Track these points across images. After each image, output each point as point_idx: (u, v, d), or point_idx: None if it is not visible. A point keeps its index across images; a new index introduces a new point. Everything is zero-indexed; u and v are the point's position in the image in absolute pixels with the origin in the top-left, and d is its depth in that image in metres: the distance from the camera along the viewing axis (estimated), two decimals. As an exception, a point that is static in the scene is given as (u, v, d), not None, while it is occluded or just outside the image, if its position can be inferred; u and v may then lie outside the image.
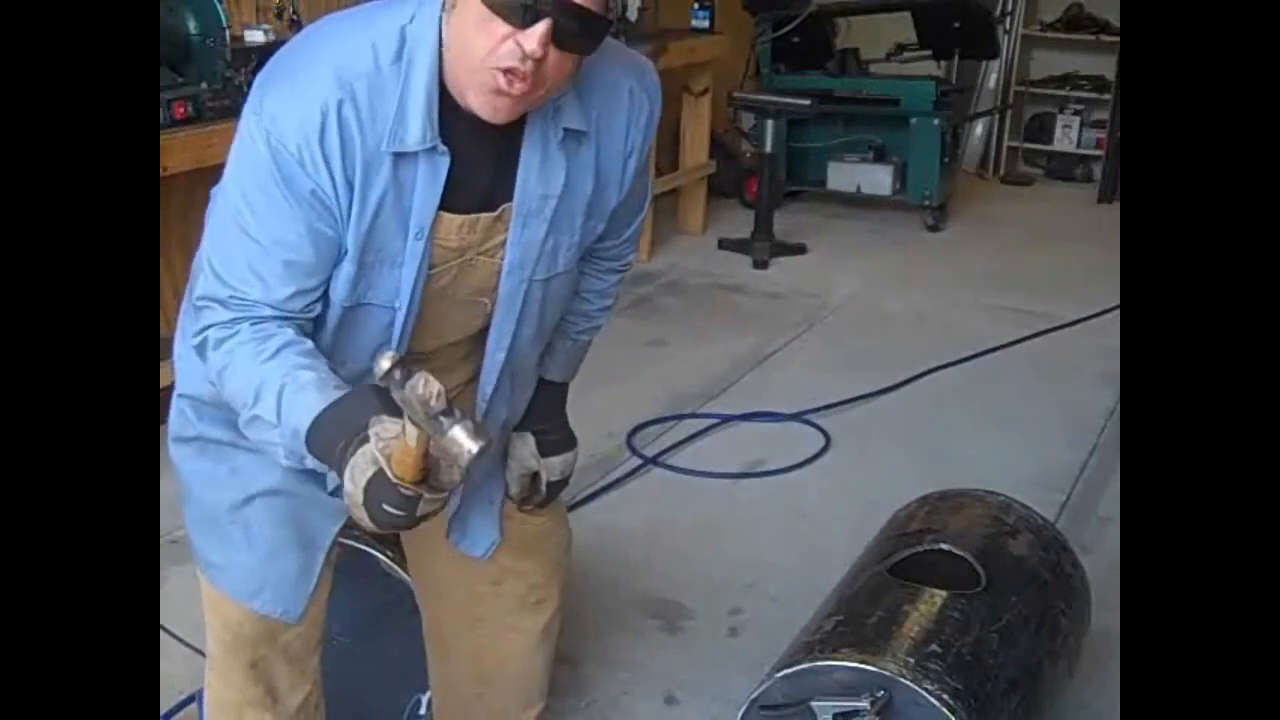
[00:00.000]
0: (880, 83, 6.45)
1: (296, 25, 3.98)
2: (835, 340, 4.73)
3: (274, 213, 1.41)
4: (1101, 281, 4.82)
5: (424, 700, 2.13)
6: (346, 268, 1.45)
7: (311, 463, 1.38)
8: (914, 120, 6.17)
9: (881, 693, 1.85)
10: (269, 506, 1.66)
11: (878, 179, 6.34)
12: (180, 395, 1.68)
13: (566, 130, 1.49)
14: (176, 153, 3.06)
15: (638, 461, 3.59)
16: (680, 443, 3.72)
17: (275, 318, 1.44)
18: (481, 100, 1.37)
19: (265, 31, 3.53)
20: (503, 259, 1.55)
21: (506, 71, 1.33)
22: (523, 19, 1.31)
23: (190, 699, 2.41)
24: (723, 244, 5.82)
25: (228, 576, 1.70)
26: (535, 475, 1.86)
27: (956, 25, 6.31)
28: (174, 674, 2.41)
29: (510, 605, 1.93)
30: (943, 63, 6.73)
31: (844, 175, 6.40)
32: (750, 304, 5.16)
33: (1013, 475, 3.32)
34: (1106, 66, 7.05)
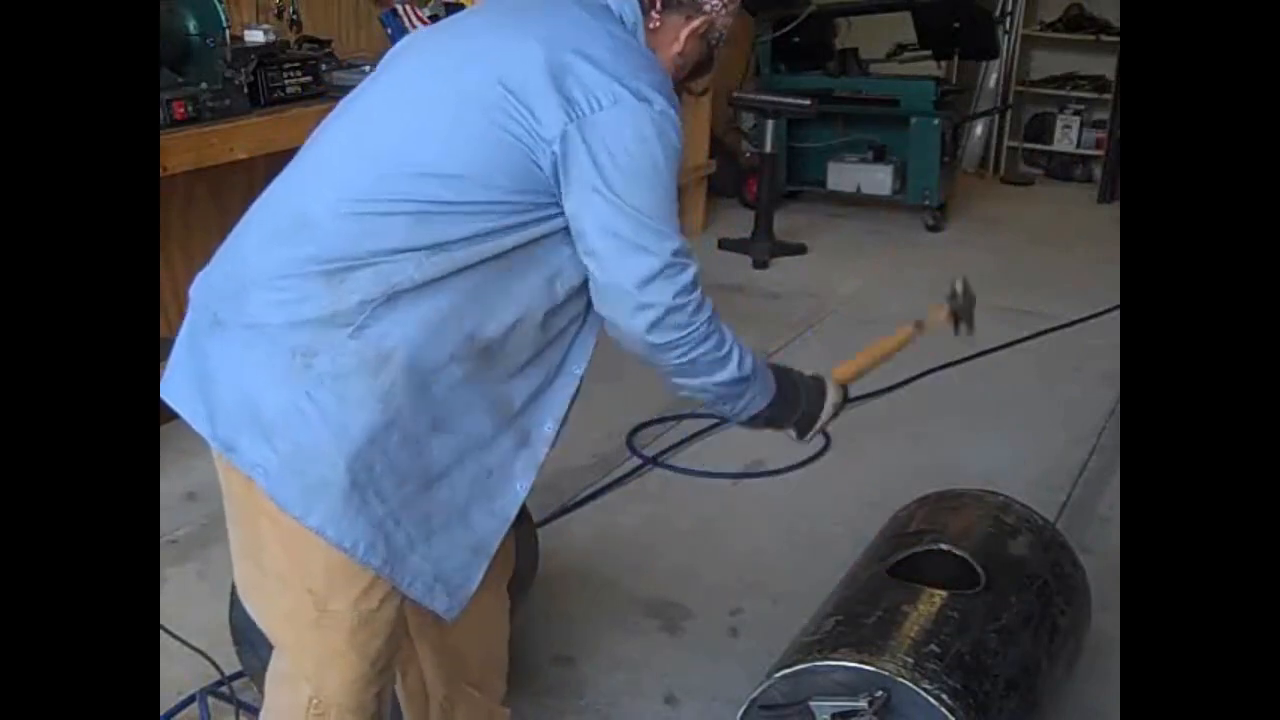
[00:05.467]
0: (880, 83, 6.46)
1: (297, 25, 3.99)
2: (835, 340, 4.73)
3: (673, 171, 1.64)
4: (1101, 281, 4.82)
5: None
6: None
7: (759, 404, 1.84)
8: (914, 120, 6.17)
9: (880, 693, 1.85)
10: (448, 494, 1.65)
11: (878, 179, 6.34)
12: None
13: None
14: (176, 153, 3.06)
15: (638, 461, 3.59)
16: (680, 443, 3.72)
17: None
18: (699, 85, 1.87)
19: (265, 31, 3.52)
20: None
21: None
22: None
23: (190, 699, 2.41)
24: (723, 244, 5.82)
25: (409, 573, 1.64)
26: None
27: (956, 25, 6.31)
28: (174, 674, 2.42)
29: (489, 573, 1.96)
30: (943, 63, 6.73)
31: (844, 175, 6.40)
32: (750, 304, 5.16)
33: (1013, 475, 3.32)
34: (1106, 66, 7.06)
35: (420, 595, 1.65)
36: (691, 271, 1.63)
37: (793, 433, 1.95)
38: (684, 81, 1.83)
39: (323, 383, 1.53)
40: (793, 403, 1.91)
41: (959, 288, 2.16)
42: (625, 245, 1.59)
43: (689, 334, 1.65)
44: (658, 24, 1.74)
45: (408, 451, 1.58)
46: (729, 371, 1.74)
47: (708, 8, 1.77)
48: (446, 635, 1.97)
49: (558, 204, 1.60)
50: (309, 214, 1.58)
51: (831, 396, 1.97)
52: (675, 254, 1.61)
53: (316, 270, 1.54)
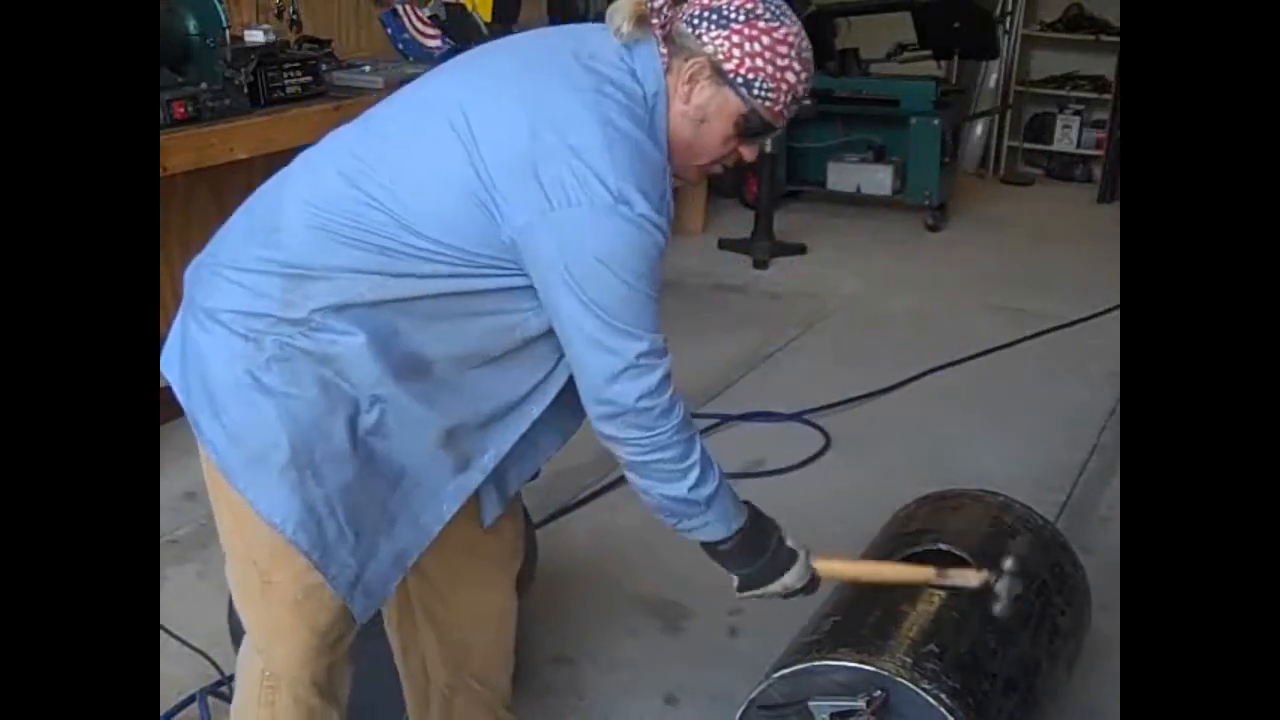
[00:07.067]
0: (880, 83, 6.45)
1: (297, 25, 3.99)
2: (835, 340, 4.73)
3: (660, 267, 1.61)
4: (1101, 281, 4.82)
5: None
6: None
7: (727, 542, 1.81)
8: (914, 120, 6.17)
9: (879, 692, 1.85)
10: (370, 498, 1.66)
11: (878, 179, 6.34)
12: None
13: None
14: (176, 153, 3.07)
15: (638, 461, 3.58)
16: (680, 443, 3.72)
17: None
18: (695, 175, 1.74)
19: (265, 31, 3.53)
20: None
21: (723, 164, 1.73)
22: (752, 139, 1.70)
23: (190, 699, 2.42)
24: (723, 244, 5.82)
25: (334, 565, 1.65)
26: None
27: (956, 25, 6.31)
28: (174, 674, 2.42)
29: (491, 566, 1.98)
30: (943, 63, 6.73)
31: (844, 175, 6.40)
32: (750, 304, 5.16)
33: (1013, 475, 3.32)
34: (1106, 66, 7.05)
35: (341, 591, 1.67)
36: (658, 374, 1.61)
37: (734, 579, 1.87)
38: (724, 153, 1.70)
39: (270, 366, 1.58)
40: (746, 558, 1.84)
41: (1008, 566, 2.04)
42: (588, 340, 1.58)
43: (647, 437, 1.64)
44: (675, 75, 1.62)
45: (348, 445, 1.61)
46: (678, 489, 1.70)
47: (710, 49, 1.60)
48: (453, 627, 1.99)
49: (522, 268, 1.59)
50: (284, 217, 1.62)
51: (792, 577, 1.87)
52: (641, 355, 1.59)
53: (277, 271, 1.59)
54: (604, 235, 1.53)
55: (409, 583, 1.93)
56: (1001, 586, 1.99)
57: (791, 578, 1.86)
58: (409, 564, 1.71)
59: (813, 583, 1.90)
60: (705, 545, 1.82)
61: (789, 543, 1.87)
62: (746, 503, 1.85)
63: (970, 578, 2.00)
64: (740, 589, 1.87)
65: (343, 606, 1.70)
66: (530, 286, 1.61)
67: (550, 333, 1.64)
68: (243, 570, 1.72)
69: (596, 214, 1.52)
